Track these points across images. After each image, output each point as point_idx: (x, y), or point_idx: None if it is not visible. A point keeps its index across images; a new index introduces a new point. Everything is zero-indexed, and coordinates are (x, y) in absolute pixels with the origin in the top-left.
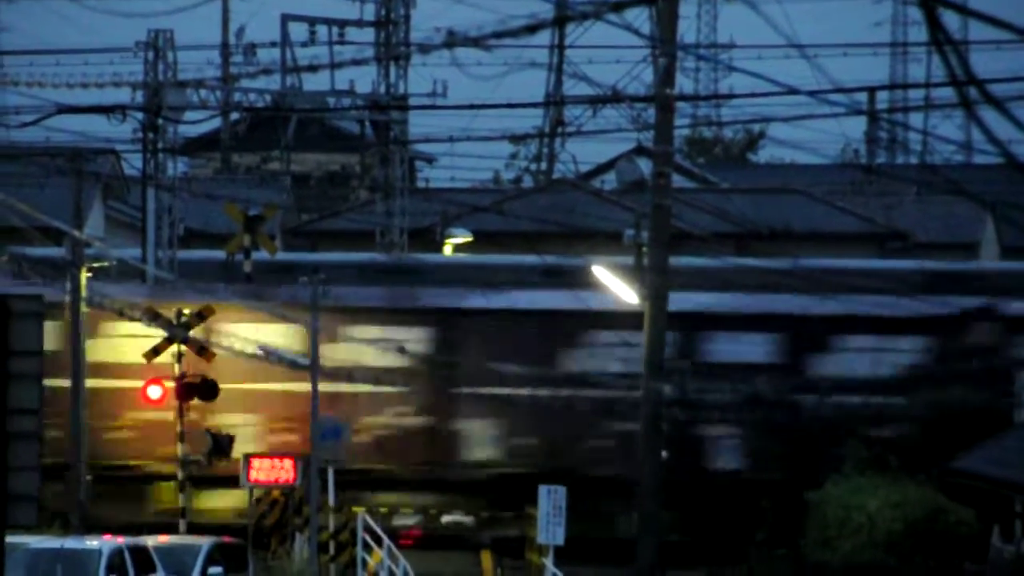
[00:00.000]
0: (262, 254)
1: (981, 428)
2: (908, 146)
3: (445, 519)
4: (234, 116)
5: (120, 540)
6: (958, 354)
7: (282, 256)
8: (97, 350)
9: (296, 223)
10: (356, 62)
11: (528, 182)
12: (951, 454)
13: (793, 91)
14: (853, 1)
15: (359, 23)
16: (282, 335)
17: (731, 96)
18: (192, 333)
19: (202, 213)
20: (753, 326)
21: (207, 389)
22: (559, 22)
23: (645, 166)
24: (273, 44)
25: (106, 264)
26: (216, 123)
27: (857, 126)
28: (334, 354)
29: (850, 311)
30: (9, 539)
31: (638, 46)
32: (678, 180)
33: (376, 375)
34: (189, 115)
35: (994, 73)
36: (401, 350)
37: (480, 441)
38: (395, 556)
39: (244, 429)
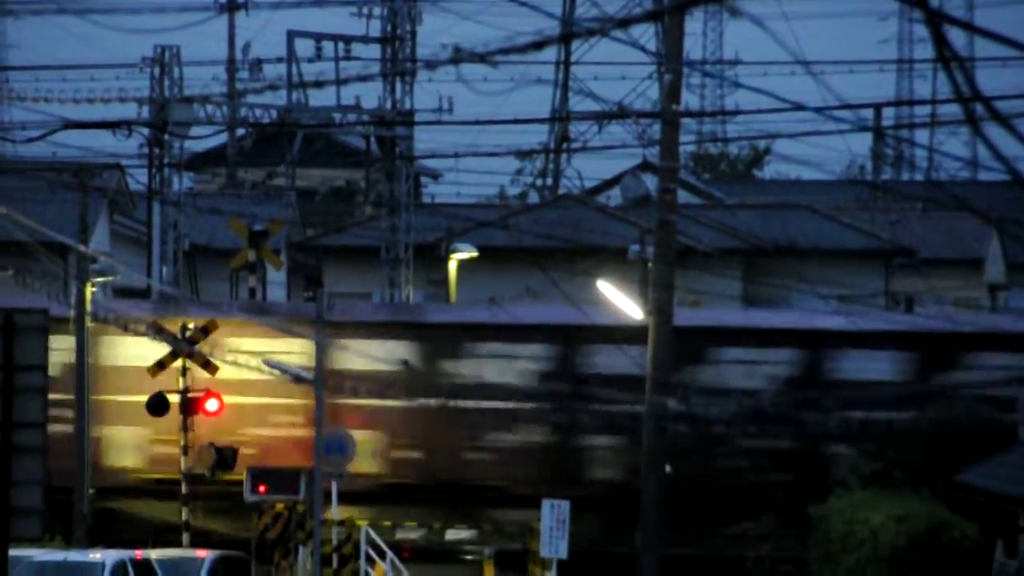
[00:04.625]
0: None
1: (986, 444)
2: (914, 162)
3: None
4: (240, 132)
5: (123, 553)
6: None
7: None
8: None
9: (301, 238)
10: (362, 78)
11: (534, 198)
12: (954, 468)
13: (799, 107)
14: (859, 18)
15: (365, 39)
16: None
17: (737, 112)
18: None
19: (207, 228)
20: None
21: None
22: (565, 38)
23: (650, 182)
24: (279, 60)
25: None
26: (222, 138)
27: (863, 142)
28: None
29: None
30: (12, 552)
31: (644, 62)
32: (683, 196)
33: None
34: (195, 130)
35: (1000, 90)
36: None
37: None
38: (398, 569)
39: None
